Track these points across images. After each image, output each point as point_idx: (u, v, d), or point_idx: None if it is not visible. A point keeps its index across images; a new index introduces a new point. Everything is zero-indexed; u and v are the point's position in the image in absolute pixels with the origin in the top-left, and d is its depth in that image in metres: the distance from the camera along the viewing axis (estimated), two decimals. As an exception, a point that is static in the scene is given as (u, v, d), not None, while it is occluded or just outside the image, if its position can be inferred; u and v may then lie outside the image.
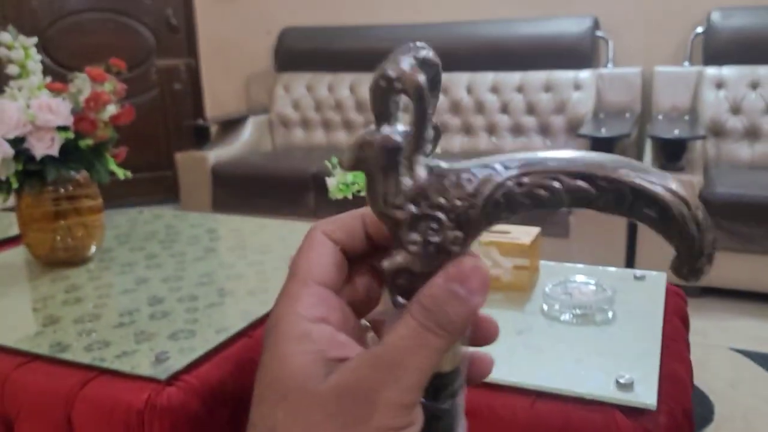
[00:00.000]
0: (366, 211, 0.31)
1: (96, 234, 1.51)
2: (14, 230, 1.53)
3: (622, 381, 0.91)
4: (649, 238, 2.38)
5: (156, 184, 3.70)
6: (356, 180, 1.20)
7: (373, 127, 0.28)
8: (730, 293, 2.31)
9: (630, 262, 2.41)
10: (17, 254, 1.54)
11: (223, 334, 1.10)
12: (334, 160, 1.22)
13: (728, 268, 2.26)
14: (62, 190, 1.41)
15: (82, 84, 1.43)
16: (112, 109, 1.41)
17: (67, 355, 1.04)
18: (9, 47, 1.39)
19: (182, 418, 0.96)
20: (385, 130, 0.28)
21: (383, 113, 0.28)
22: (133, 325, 1.14)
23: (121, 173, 1.47)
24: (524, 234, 1.29)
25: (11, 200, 1.45)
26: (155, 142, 3.83)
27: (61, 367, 1.03)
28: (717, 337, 2.03)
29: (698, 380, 1.76)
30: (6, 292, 1.35)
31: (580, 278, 1.23)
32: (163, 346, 1.05)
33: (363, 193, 1.35)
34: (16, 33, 1.42)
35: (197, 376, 1.01)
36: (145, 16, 3.82)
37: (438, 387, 0.30)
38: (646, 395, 0.88)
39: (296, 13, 3.64)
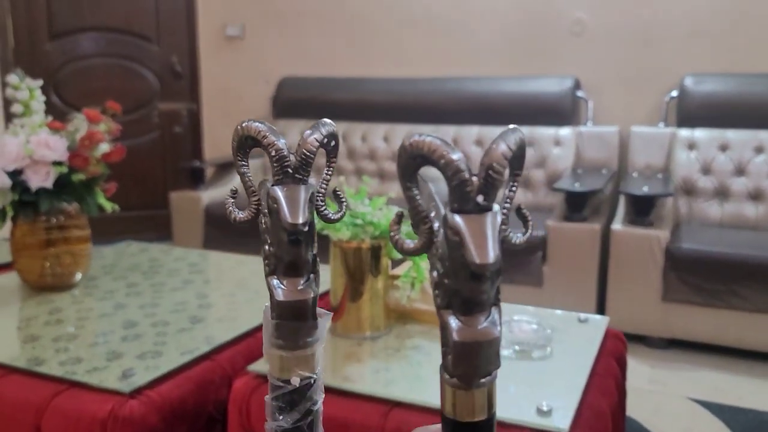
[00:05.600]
0: None
1: (82, 262, 1.61)
2: (7, 257, 1.63)
3: (543, 408, 0.99)
4: (618, 287, 2.46)
5: (151, 222, 3.81)
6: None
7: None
8: (693, 345, 2.37)
9: (601, 310, 2.49)
10: (9, 279, 1.64)
11: (187, 355, 1.19)
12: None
13: (692, 321, 2.34)
14: (54, 220, 1.53)
15: (79, 123, 1.56)
16: (104, 148, 1.53)
17: (43, 369, 1.13)
18: (15, 88, 1.53)
19: (142, 429, 1.04)
20: None
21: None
22: (106, 344, 1.23)
23: (109, 206, 1.58)
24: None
25: (6, 229, 1.56)
26: (153, 182, 3.96)
27: (36, 379, 1.12)
28: (677, 387, 2.09)
29: (654, 427, 1.83)
30: (-7, 312, 1.45)
31: (523, 318, 1.32)
32: (131, 364, 1.15)
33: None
34: (23, 75, 1.56)
35: (159, 392, 1.10)
36: (151, 62, 4.02)
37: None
38: (561, 421, 0.97)
39: (294, 64, 3.83)
